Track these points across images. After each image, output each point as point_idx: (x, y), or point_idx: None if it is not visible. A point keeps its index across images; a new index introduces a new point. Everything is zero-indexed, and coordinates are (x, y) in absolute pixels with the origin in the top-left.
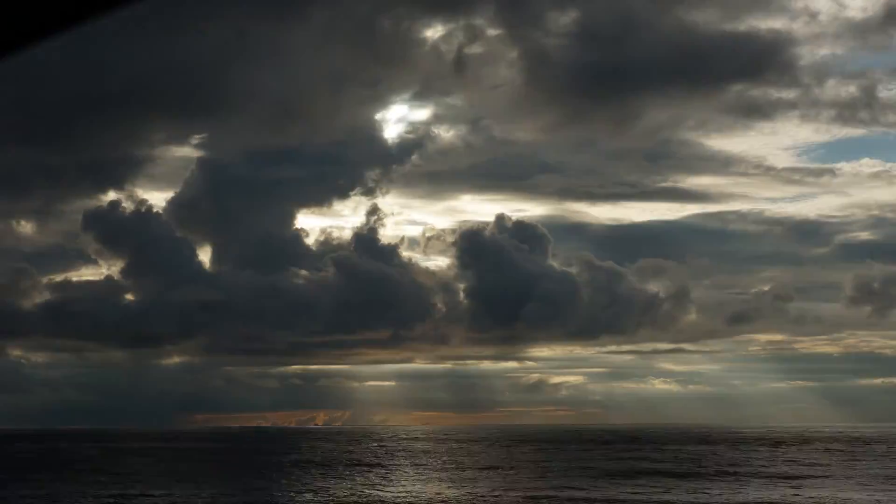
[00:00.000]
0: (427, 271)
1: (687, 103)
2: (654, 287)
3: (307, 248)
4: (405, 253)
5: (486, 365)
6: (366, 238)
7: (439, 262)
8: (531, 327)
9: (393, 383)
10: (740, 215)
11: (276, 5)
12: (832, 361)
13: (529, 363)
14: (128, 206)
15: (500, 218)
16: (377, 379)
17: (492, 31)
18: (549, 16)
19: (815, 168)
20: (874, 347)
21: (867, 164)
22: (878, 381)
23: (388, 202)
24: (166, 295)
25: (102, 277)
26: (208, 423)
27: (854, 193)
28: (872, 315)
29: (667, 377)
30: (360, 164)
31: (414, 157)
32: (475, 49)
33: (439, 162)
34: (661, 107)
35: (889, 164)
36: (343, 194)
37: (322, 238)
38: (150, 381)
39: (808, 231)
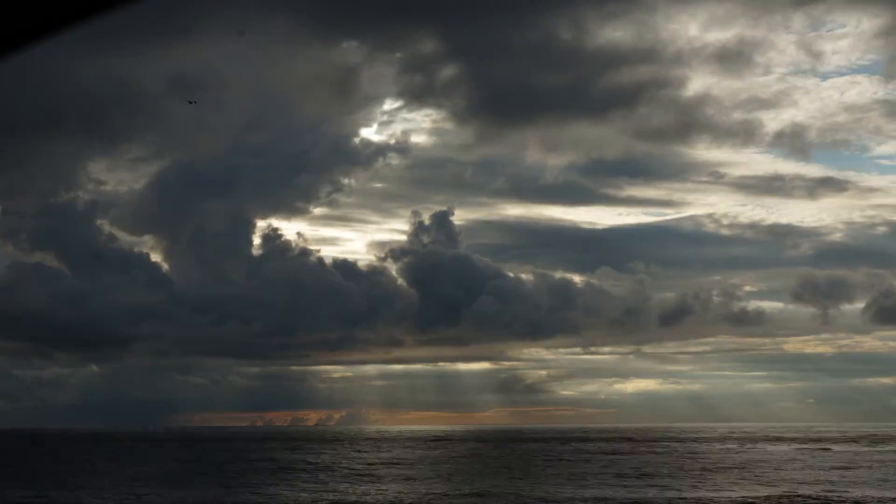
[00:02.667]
0: (379, 275)
1: (581, 122)
2: (635, 288)
3: (262, 251)
4: (361, 257)
5: (462, 366)
6: (325, 243)
7: (387, 265)
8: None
9: (381, 383)
10: (714, 219)
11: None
12: (813, 362)
13: (515, 363)
14: (80, 209)
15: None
16: (363, 379)
17: (380, 56)
18: (424, 38)
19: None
20: (866, 349)
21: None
22: (856, 381)
23: (342, 210)
24: (123, 298)
25: (49, 279)
26: (186, 424)
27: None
28: (850, 316)
29: (658, 378)
30: (312, 173)
31: (367, 169)
32: (365, 73)
33: (386, 173)
34: (564, 123)
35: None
36: (294, 203)
37: (277, 242)
38: (116, 383)
39: (780, 235)
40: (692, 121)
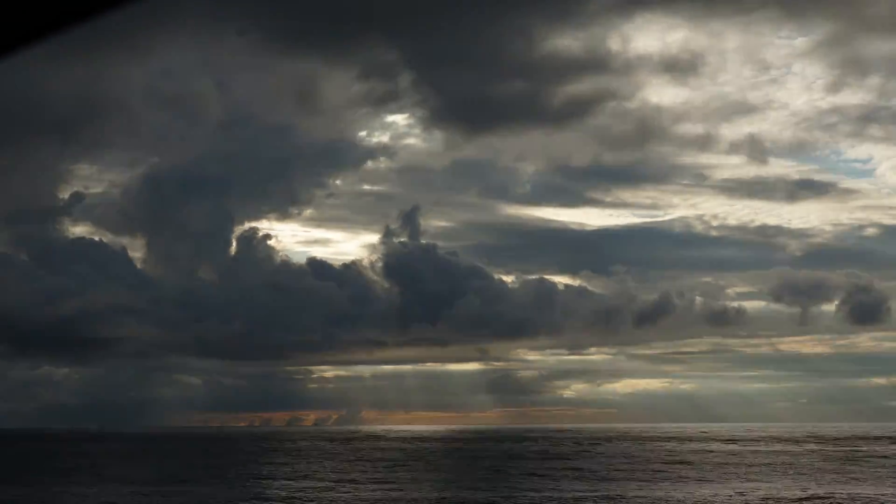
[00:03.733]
0: (363, 277)
1: (542, 130)
2: (625, 289)
3: (246, 253)
4: (343, 259)
5: (453, 366)
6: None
7: (370, 267)
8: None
9: (375, 384)
10: (703, 221)
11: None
12: (807, 362)
13: (506, 364)
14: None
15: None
16: (356, 380)
17: (341, 65)
18: (384, 48)
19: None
20: (861, 349)
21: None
22: (850, 381)
23: (319, 215)
24: (104, 299)
25: (29, 280)
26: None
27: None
28: (841, 317)
29: (651, 378)
30: (291, 179)
31: (342, 176)
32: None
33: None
34: (527, 130)
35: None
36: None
37: (261, 245)
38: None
39: (769, 236)
40: (653, 128)
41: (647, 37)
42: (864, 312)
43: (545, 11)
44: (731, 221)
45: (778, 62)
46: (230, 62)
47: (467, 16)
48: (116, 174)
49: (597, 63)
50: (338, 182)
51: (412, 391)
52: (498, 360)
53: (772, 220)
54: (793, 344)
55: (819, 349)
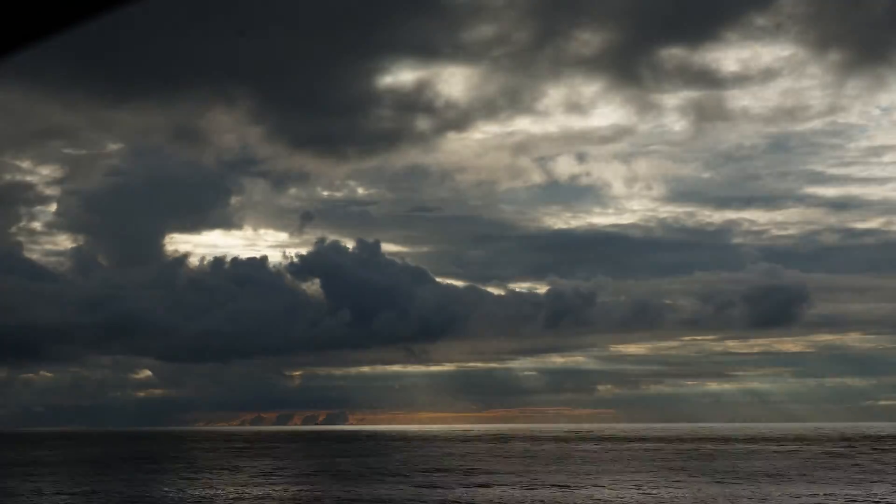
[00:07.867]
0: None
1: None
2: (594, 292)
3: (195, 263)
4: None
5: (423, 368)
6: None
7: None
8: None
9: (366, 385)
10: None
11: None
12: (785, 362)
13: (487, 365)
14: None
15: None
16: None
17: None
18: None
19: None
20: (840, 350)
21: None
22: (830, 381)
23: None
24: (45, 306)
25: None
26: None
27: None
28: (812, 316)
29: (642, 379)
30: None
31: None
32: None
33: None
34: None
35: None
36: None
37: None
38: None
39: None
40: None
41: (471, 82)
42: (809, 312)
43: (375, 56)
44: (691, 224)
45: (585, 102)
46: (121, 96)
47: (303, 64)
48: (62, 186)
49: (427, 103)
50: (246, 197)
51: (404, 392)
52: (488, 361)
53: (728, 224)
54: (767, 344)
55: (796, 348)
